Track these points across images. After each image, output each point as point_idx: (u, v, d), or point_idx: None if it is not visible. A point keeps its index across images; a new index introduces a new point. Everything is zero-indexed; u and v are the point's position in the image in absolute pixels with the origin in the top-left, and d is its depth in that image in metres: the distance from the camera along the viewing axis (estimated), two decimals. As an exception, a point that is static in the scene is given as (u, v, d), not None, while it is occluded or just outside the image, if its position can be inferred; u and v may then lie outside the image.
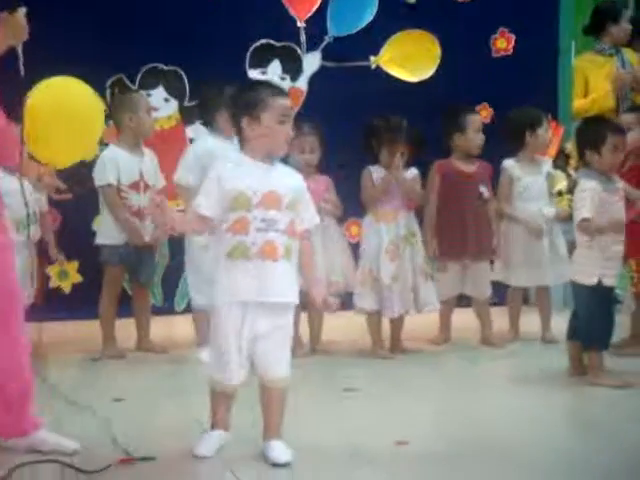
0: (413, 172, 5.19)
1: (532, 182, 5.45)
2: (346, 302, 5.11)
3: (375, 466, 3.34)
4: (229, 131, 4.40)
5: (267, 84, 3.54)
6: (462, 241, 5.33)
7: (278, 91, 3.42)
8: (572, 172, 6.03)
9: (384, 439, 3.61)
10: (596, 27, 6.41)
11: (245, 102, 3.38)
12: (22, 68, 3.43)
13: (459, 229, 5.33)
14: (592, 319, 4.43)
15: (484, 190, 5.36)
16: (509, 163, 5.45)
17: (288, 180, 3.42)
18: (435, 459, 3.42)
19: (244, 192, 3.32)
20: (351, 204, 5.30)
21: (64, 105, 3.69)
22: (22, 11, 3.29)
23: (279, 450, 3.35)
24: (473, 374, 4.81)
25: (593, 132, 4.47)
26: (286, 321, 3.40)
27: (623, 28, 6.37)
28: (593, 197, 4.37)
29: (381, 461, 3.38)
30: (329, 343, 5.32)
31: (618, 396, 4.28)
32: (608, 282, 4.43)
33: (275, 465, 3.31)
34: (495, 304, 5.61)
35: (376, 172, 5.14)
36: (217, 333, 3.38)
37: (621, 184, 4.55)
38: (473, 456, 3.46)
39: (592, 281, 4.40)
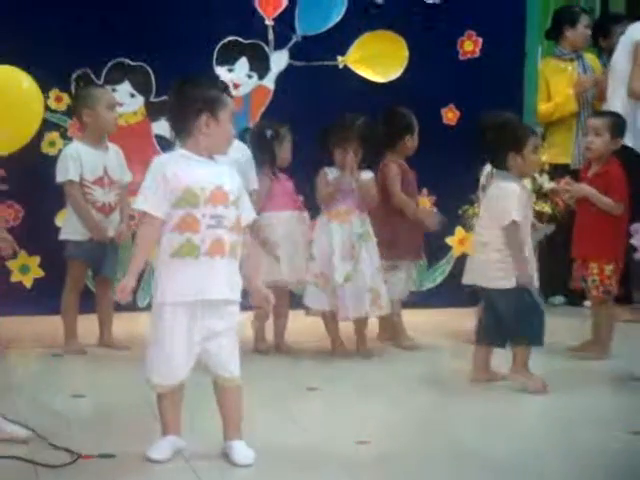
0: (368, 174, 5.12)
1: None
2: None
3: (336, 466, 3.34)
4: None
5: (216, 81, 3.51)
6: (411, 241, 5.36)
7: (226, 89, 3.40)
8: (537, 175, 6.05)
9: (345, 439, 3.62)
10: (555, 32, 6.44)
11: (203, 98, 3.35)
12: None
13: (408, 229, 5.35)
14: (523, 319, 4.39)
15: None
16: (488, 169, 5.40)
17: (231, 176, 3.39)
18: (395, 459, 3.43)
19: (191, 188, 3.29)
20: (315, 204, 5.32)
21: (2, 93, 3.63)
22: None
23: (240, 450, 3.34)
24: (435, 374, 4.82)
25: (513, 135, 4.47)
26: (235, 319, 3.37)
27: (580, 33, 6.36)
28: (520, 199, 4.40)
29: (342, 461, 3.38)
30: (293, 342, 5.31)
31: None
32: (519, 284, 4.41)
33: (237, 465, 3.31)
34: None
35: (331, 173, 5.09)
36: (161, 334, 3.32)
37: (529, 187, 4.62)
38: (433, 457, 3.47)
39: (511, 283, 4.38)
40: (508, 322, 4.45)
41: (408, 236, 5.30)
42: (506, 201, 4.37)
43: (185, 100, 3.36)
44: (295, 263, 5.14)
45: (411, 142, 5.32)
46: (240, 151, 4.87)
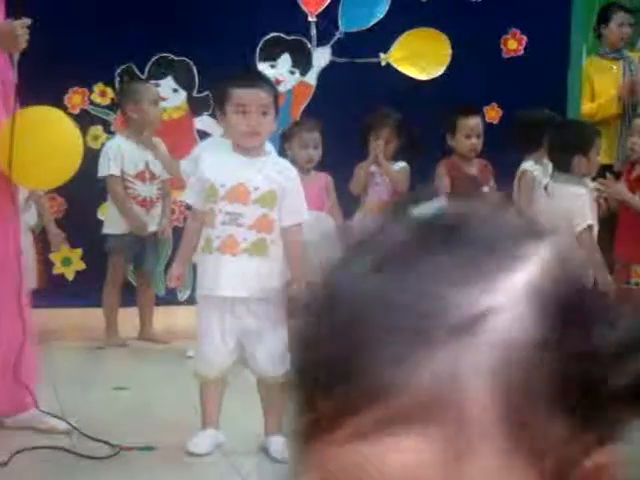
0: (401, 165, 5.14)
1: None
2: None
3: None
4: None
5: (238, 75, 3.52)
6: None
7: (240, 81, 3.38)
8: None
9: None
10: (597, 30, 6.34)
11: (215, 93, 3.43)
12: (16, 76, 3.41)
13: None
14: None
15: (487, 191, 5.31)
16: (530, 165, 5.32)
17: (268, 173, 3.35)
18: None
19: (213, 184, 3.32)
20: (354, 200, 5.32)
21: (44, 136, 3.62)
22: (24, 22, 3.26)
23: (279, 445, 3.35)
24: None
25: (580, 136, 4.41)
26: (272, 318, 3.32)
27: (613, 31, 6.20)
28: (590, 204, 4.34)
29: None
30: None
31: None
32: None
33: (275, 460, 3.31)
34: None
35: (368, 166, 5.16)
36: (199, 325, 3.43)
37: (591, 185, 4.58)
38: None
39: None
40: None
41: None
42: (578, 206, 4.28)
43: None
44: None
45: (457, 141, 5.28)
46: None
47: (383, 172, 5.11)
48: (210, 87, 4.61)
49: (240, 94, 3.31)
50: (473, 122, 5.28)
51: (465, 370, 0.55)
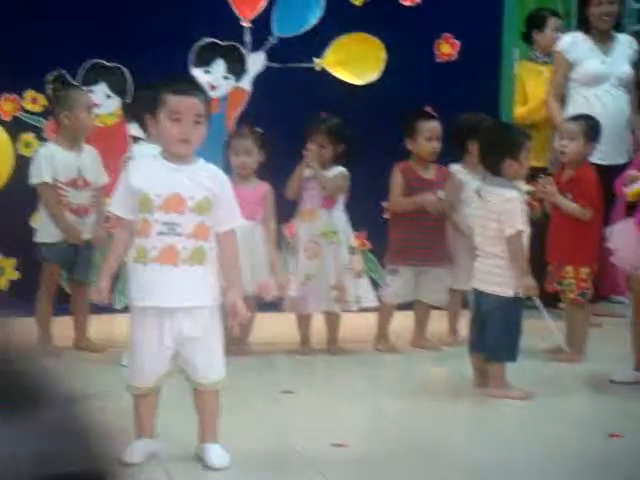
0: (338, 169, 5.14)
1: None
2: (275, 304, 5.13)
3: (311, 468, 3.33)
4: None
5: (170, 80, 3.49)
6: (417, 247, 5.24)
7: (174, 87, 3.35)
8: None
9: (322, 441, 3.61)
10: (527, 35, 6.45)
11: (147, 99, 3.37)
12: None
13: (415, 234, 5.24)
14: (506, 331, 4.33)
15: (442, 195, 5.32)
16: (456, 168, 5.39)
17: (200, 181, 3.33)
18: (372, 462, 3.43)
19: (147, 194, 3.28)
20: (294, 206, 5.31)
21: None
22: None
23: (215, 453, 3.34)
24: (408, 376, 4.81)
25: (510, 140, 4.41)
26: (211, 324, 3.33)
27: (548, 36, 6.32)
28: (521, 207, 4.37)
29: (317, 463, 3.37)
30: (259, 344, 5.23)
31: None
32: (521, 294, 4.36)
33: (211, 468, 3.30)
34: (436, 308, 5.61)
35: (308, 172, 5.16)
36: (132, 336, 3.37)
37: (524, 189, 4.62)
38: (411, 460, 3.47)
39: (510, 293, 4.33)
40: (492, 331, 4.35)
41: (408, 243, 5.25)
42: (510, 210, 4.31)
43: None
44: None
45: (413, 145, 5.30)
46: None
47: (319, 179, 5.11)
48: (142, 92, 4.57)
49: (175, 101, 3.29)
50: (433, 125, 5.31)
51: None
